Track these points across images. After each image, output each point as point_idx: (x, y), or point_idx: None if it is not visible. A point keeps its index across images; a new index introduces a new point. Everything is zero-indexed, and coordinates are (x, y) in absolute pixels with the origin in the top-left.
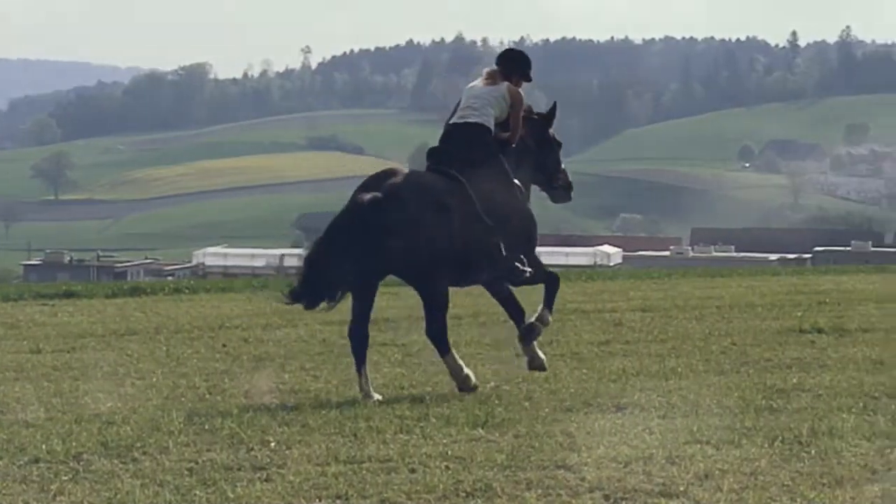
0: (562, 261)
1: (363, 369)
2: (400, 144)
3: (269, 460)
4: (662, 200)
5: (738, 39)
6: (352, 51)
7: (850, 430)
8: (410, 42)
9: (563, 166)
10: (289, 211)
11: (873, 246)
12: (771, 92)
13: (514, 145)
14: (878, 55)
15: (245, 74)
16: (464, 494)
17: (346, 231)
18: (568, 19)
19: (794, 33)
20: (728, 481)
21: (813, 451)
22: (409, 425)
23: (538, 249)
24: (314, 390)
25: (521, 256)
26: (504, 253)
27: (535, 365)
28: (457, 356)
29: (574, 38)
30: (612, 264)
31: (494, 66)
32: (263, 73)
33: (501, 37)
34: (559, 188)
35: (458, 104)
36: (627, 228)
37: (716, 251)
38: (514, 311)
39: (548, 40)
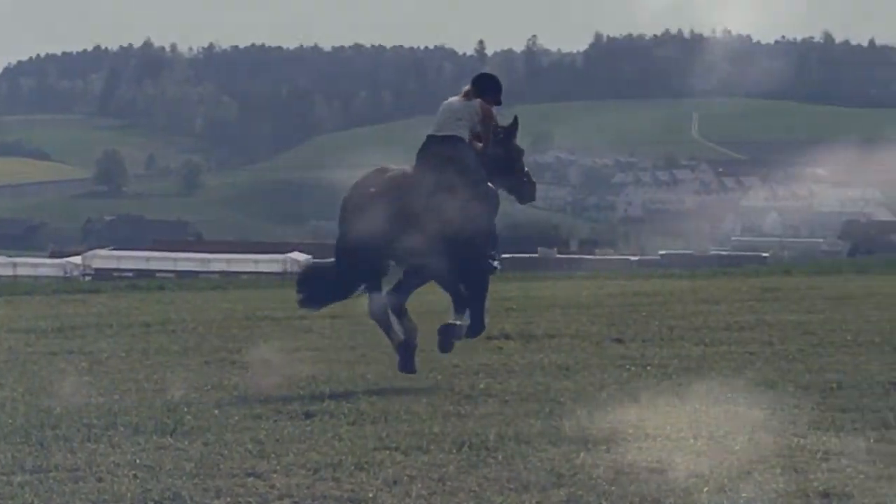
0: (252, 268)
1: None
2: (87, 150)
3: None
4: None
5: (426, 47)
6: (38, 56)
7: (536, 435)
8: (98, 47)
9: (526, 169)
10: None
11: (559, 253)
12: None
13: (485, 153)
14: (563, 64)
15: None
16: (152, 503)
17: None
18: (257, 26)
19: (481, 42)
20: (416, 487)
21: (500, 457)
22: (96, 434)
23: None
24: None
25: (492, 251)
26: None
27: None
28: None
29: (263, 45)
30: None
31: (469, 86)
32: None
33: (190, 43)
34: (524, 187)
35: (437, 116)
36: (318, 235)
37: None
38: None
39: (237, 46)
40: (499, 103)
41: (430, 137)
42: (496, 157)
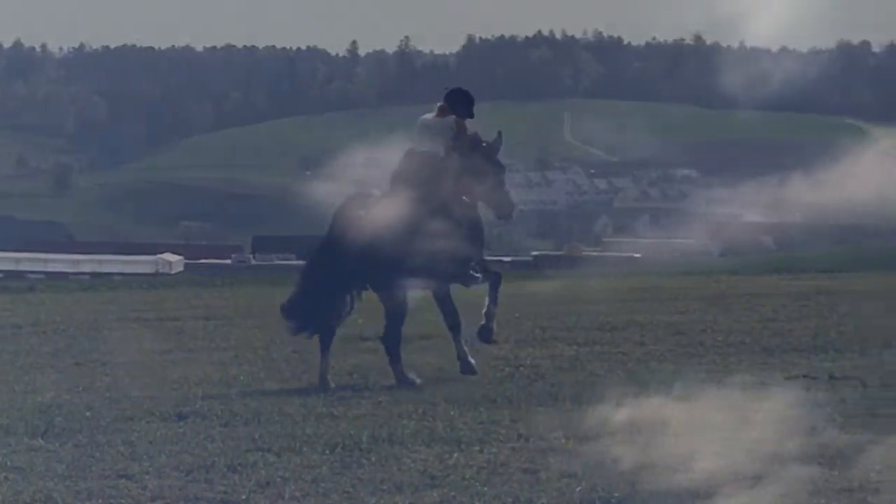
0: (122, 269)
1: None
2: None
3: None
4: (224, 208)
5: (298, 48)
6: None
7: (409, 436)
8: None
9: (506, 187)
10: None
11: None
12: (332, 101)
13: (465, 167)
14: (436, 65)
15: None
16: None
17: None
18: (128, 26)
19: (353, 42)
20: (290, 489)
21: (373, 458)
22: None
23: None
24: None
25: (473, 263)
26: (458, 261)
27: (467, 368)
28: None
29: (135, 46)
30: (173, 272)
31: (443, 102)
32: None
33: (60, 43)
34: (502, 202)
35: (414, 132)
36: (189, 236)
37: (277, 259)
38: (450, 314)
39: (108, 47)
40: (471, 116)
41: (409, 152)
42: (476, 171)
